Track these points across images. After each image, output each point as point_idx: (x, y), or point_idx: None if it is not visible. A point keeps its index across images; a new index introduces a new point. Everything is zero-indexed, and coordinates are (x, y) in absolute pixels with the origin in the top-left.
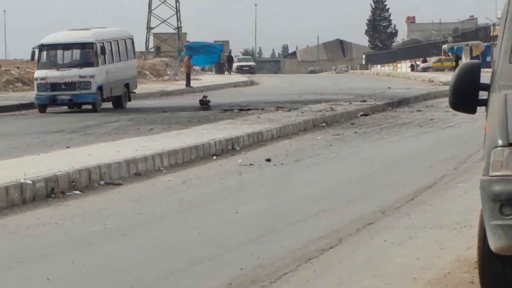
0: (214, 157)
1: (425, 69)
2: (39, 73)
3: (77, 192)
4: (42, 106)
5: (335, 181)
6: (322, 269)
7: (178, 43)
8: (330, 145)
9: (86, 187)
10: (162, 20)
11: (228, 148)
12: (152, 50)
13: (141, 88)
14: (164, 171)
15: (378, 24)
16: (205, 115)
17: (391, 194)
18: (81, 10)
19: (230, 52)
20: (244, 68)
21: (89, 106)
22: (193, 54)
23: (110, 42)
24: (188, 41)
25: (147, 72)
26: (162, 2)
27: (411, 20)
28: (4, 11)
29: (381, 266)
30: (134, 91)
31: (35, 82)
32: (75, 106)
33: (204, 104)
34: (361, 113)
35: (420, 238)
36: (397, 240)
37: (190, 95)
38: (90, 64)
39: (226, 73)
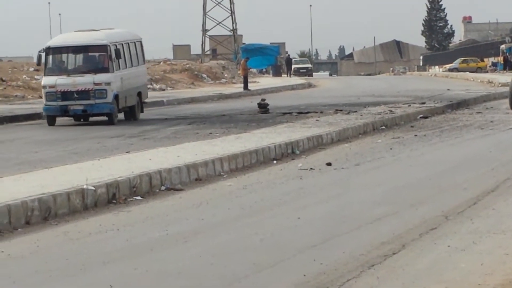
0: (274, 161)
1: (451, 70)
2: (47, 80)
3: (138, 197)
4: (51, 118)
5: (396, 185)
6: (385, 275)
7: (234, 45)
8: (391, 149)
9: (147, 192)
10: (217, 22)
11: (288, 152)
12: (208, 52)
13: (199, 91)
14: (224, 175)
15: (434, 24)
16: (264, 119)
17: (453, 198)
18: (134, 13)
19: (288, 54)
20: (301, 71)
21: (99, 118)
22: (250, 56)
23: (122, 44)
24: (244, 43)
25: (204, 75)
26: (217, 4)
27: (467, 20)
28: (59, 14)
29: (445, 272)
30: (145, 100)
31: (43, 91)
32: (82, 118)
33: (263, 107)
34: (421, 115)
35: (484, 243)
36: (460, 245)
37: (248, 98)
38: (104, 70)
39: (284, 75)
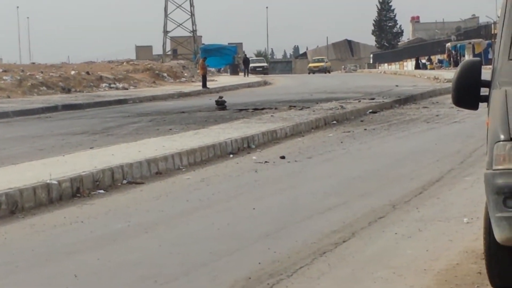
0: (231, 155)
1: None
2: None
3: (101, 191)
4: None
5: (347, 176)
6: (336, 262)
7: (193, 46)
8: (341, 142)
9: (109, 186)
10: (178, 24)
11: (244, 146)
12: (169, 53)
13: (160, 89)
14: (183, 169)
15: (384, 24)
16: (221, 115)
17: (400, 188)
18: (99, 16)
19: (245, 54)
20: (257, 69)
21: None
22: (208, 56)
23: None
24: (203, 44)
25: (165, 74)
26: (178, 7)
27: (415, 20)
28: (28, 17)
29: (393, 258)
30: None
31: None
32: None
33: (220, 104)
34: (370, 110)
35: (429, 230)
36: (407, 232)
37: (207, 96)
38: None
39: (241, 74)
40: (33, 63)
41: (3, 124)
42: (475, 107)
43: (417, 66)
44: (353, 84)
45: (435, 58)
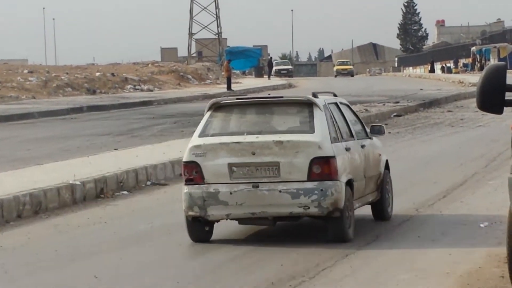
0: None
1: None
2: None
3: (125, 192)
4: None
5: None
6: (358, 265)
7: (218, 48)
8: None
9: (133, 187)
10: (203, 26)
11: None
12: (194, 55)
13: (185, 91)
14: None
15: (409, 27)
16: None
17: (424, 191)
18: (124, 18)
19: (270, 57)
20: (282, 72)
21: None
22: (233, 58)
23: None
24: (228, 46)
25: (189, 76)
26: (203, 9)
27: (440, 24)
28: (53, 19)
29: (416, 261)
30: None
31: None
32: None
33: None
34: (395, 114)
35: (452, 234)
36: (430, 236)
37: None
38: None
39: (265, 76)
40: (93, 64)
41: (28, 125)
42: (500, 111)
43: (432, 70)
44: (378, 87)
45: (460, 62)
